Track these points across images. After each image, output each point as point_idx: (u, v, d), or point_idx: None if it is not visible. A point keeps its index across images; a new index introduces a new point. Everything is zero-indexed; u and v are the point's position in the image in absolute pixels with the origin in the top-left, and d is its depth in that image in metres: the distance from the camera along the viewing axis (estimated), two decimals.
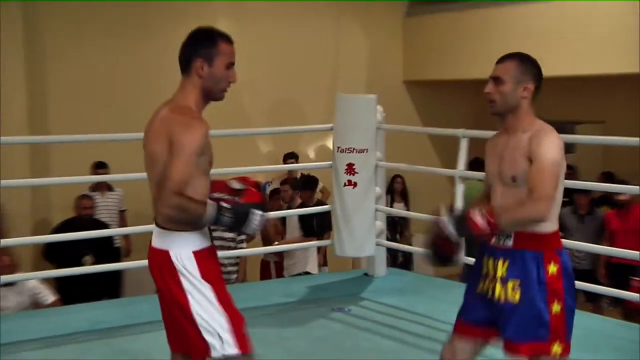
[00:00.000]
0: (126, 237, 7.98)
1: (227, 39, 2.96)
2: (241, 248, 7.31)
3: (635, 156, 8.61)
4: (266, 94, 9.71)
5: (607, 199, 8.45)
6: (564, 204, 9.04)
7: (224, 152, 7.84)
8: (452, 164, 5.78)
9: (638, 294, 6.38)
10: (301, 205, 8.01)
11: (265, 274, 8.19)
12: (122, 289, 7.84)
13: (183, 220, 2.83)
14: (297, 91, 9.75)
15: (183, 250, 2.88)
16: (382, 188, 6.50)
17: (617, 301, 7.40)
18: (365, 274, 6.48)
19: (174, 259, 2.87)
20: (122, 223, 8.09)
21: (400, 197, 9.34)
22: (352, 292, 6.08)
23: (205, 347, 2.86)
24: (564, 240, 3.24)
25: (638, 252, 6.56)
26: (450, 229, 2.89)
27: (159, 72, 8.83)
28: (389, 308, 5.60)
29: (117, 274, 7.51)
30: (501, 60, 3.16)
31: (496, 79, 3.09)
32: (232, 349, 2.85)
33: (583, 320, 5.62)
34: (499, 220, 2.88)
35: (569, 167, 9.57)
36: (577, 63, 8.82)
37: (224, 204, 2.85)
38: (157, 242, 2.95)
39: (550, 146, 3.02)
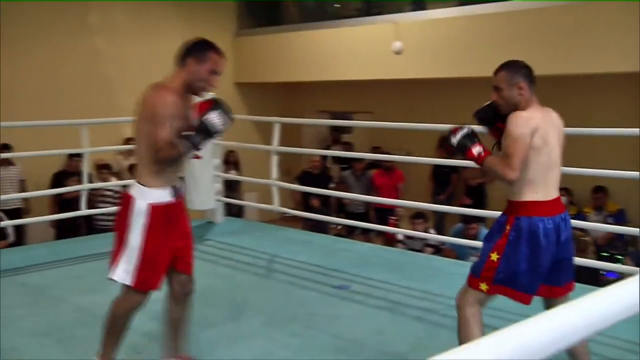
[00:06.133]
0: (26, 199, 7.58)
1: (217, 51, 2.78)
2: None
3: (395, 135, 9.10)
4: (134, 92, 9.37)
5: (376, 164, 8.71)
6: (346, 168, 9.40)
7: (104, 135, 7.69)
8: (270, 142, 5.84)
9: (393, 228, 6.82)
10: None
11: None
12: (25, 238, 7.46)
13: (174, 162, 2.73)
14: None
15: (142, 201, 2.73)
16: (220, 160, 6.50)
17: (380, 233, 7.65)
18: (209, 222, 6.43)
19: (133, 204, 2.74)
20: (23, 189, 7.66)
21: (234, 166, 9.36)
22: (200, 235, 5.98)
23: (114, 266, 2.76)
24: None
25: (393, 200, 7.03)
26: (463, 133, 2.73)
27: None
28: (225, 245, 5.61)
29: (21, 227, 7.12)
30: (495, 71, 2.68)
31: (496, 88, 2.67)
32: (127, 281, 2.76)
33: (359, 247, 5.99)
34: (485, 158, 2.66)
35: (347, 143, 10.02)
36: (353, 71, 9.15)
37: (186, 133, 2.68)
38: (130, 190, 2.79)
39: (513, 123, 2.56)
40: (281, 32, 10.08)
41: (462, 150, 2.72)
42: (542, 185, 2.60)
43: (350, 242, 6.37)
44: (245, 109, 10.65)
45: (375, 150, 8.80)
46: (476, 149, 2.68)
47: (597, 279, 5.43)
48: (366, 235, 8.00)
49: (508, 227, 2.62)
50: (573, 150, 6.29)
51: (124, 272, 2.75)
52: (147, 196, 2.74)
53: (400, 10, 8.81)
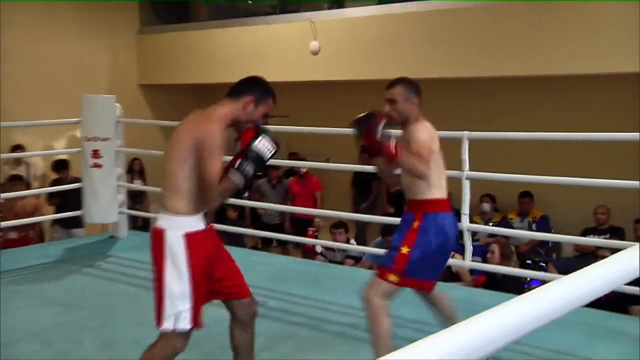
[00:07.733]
0: None
1: (275, 97, 2.79)
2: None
3: (314, 140, 8.99)
4: (26, 94, 8.83)
5: (293, 172, 8.63)
6: (261, 176, 9.23)
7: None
8: None
9: (312, 239, 6.74)
10: (57, 182, 7.44)
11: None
12: None
13: (227, 198, 2.75)
14: (52, 92, 8.96)
15: (176, 231, 2.59)
16: (123, 168, 6.23)
17: (298, 245, 7.61)
18: (112, 236, 6.18)
19: (166, 237, 2.59)
20: None
21: (138, 175, 9.04)
22: (101, 251, 5.77)
23: (161, 317, 2.61)
24: None
25: (311, 210, 6.94)
26: (379, 128, 2.79)
27: None
28: (130, 261, 5.38)
29: None
30: (390, 85, 3.04)
31: (390, 100, 2.99)
32: (187, 325, 2.62)
33: (276, 260, 5.86)
34: (400, 154, 2.79)
35: None
36: (268, 72, 8.98)
37: (236, 164, 2.61)
38: (158, 223, 2.64)
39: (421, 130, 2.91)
40: (189, 30, 9.82)
41: (382, 142, 2.78)
42: (441, 185, 2.96)
43: (266, 255, 6.35)
44: (150, 112, 10.27)
45: (292, 156, 8.68)
46: (393, 142, 2.80)
47: (521, 287, 5.51)
48: (283, 247, 7.89)
49: (417, 223, 2.91)
50: (495, 156, 6.43)
51: (173, 318, 2.60)
52: (182, 226, 2.61)
53: (318, 8, 8.74)
